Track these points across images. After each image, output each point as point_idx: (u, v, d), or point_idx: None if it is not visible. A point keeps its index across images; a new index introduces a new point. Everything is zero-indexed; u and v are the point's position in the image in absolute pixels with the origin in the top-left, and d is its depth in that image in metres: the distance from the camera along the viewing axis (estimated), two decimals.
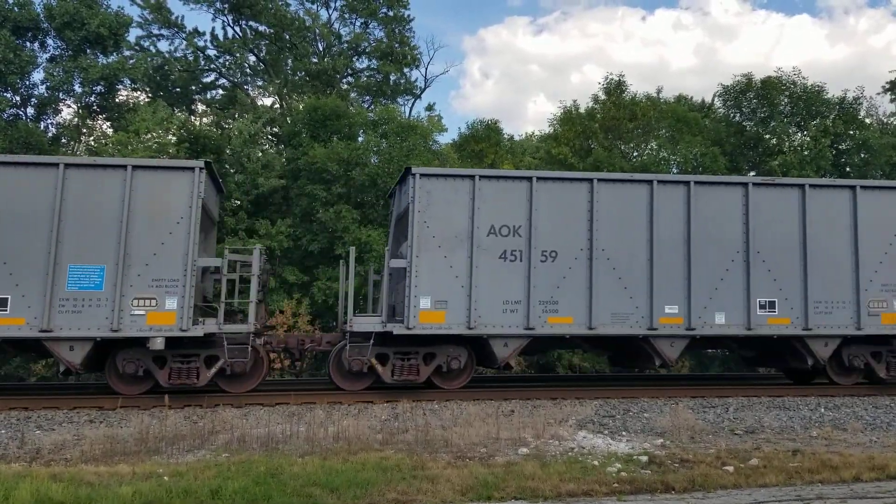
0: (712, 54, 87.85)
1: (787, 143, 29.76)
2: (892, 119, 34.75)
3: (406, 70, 34.99)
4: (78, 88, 26.55)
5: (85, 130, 26.69)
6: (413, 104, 36.22)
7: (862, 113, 31.19)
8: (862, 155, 29.30)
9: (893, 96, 35.48)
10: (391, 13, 34.42)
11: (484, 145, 29.11)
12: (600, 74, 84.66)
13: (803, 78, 29.92)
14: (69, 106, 27.72)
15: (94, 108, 27.64)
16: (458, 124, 72.30)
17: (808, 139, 28.79)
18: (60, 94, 26.89)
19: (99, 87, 26.74)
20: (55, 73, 25.77)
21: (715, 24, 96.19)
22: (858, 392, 15.38)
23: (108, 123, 27.63)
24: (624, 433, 12.04)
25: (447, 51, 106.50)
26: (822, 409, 13.98)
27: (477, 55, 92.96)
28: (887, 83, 35.29)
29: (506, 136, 34.26)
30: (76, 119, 26.92)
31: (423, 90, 36.30)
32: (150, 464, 9.44)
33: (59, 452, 10.38)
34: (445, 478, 8.63)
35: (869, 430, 12.54)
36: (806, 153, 27.75)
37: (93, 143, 25.60)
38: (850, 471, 9.31)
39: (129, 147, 21.76)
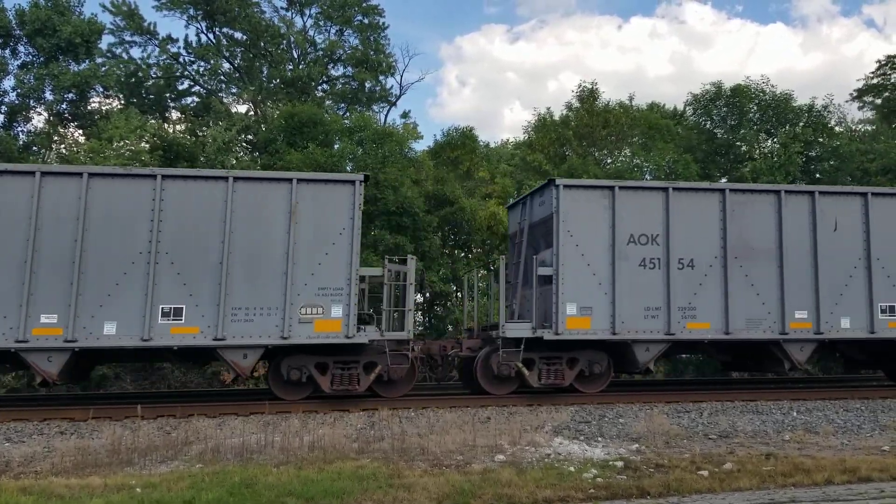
0: (688, 62, 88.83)
1: (757, 150, 30.17)
2: (860, 126, 35.36)
3: (381, 78, 35.01)
4: (49, 96, 26.27)
5: (56, 138, 26.36)
6: (388, 112, 36.25)
7: (833, 121, 31.72)
8: (831, 162, 29.77)
9: (861, 104, 36.13)
10: (366, 21, 34.43)
11: (460, 152, 29.16)
12: (577, 82, 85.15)
13: (772, 86, 30.39)
14: (40, 113, 27.41)
15: (66, 115, 27.31)
16: (436, 132, 72.42)
17: (778, 146, 29.20)
18: (31, 102, 26.57)
19: (70, 95, 26.43)
20: (26, 81, 25.45)
21: (691, 33, 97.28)
22: (830, 396, 15.59)
23: (80, 131, 27.31)
24: (600, 439, 12.08)
25: (424, 58, 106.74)
26: (795, 413, 14.13)
27: (454, 63, 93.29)
28: (855, 91, 35.94)
29: (482, 143, 34.38)
30: (47, 127, 26.58)
31: (398, 98, 36.34)
32: (122, 475, 9.31)
33: (29, 465, 10.21)
34: (422, 486, 8.61)
35: (840, 434, 12.69)
36: (776, 160, 28.13)
37: (64, 150, 25.29)
38: (822, 474, 9.41)
39: (102, 155, 21.51)
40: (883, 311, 15.77)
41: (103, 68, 27.57)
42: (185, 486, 8.53)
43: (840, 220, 15.90)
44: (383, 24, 34.70)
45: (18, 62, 26.54)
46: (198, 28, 33.18)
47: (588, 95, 32.01)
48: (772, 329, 15.40)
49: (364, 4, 34.15)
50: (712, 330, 15.21)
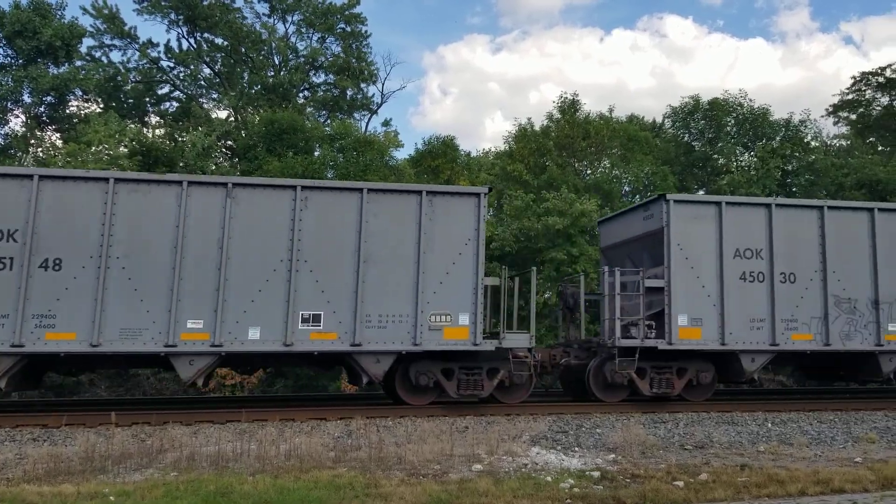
0: (669, 76, 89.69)
1: (734, 163, 30.53)
2: (835, 141, 35.86)
3: (363, 85, 35.02)
4: (27, 98, 26.04)
5: (34, 141, 26.10)
6: (369, 119, 36.26)
7: (809, 137, 32.16)
8: (807, 176, 30.17)
9: (837, 119, 36.66)
10: (348, 29, 34.44)
11: (440, 161, 29.23)
12: (558, 94, 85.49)
13: (749, 100, 30.77)
14: (17, 116, 27.13)
15: (44, 118, 27.05)
16: (417, 140, 72.62)
17: (756, 159, 29.56)
18: (9, 104, 26.30)
19: (49, 98, 26.21)
20: (4, 82, 25.19)
21: (672, 47, 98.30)
22: (804, 407, 15.77)
23: (58, 135, 27.05)
24: (577, 449, 12.12)
25: (407, 67, 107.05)
26: (770, 425, 14.26)
27: (436, 72, 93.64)
28: (830, 106, 36.47)
29: (463, 152, 34.49)
30: (25, 129, 26.31)
31: (379, 106, 36.38)
32: (95, 483, 9.21)
33: (1, 472, 10.07)
34: (399, 495, 8.59)
35: (814, 445, 12.82)
36: (753, 173, 28.46)
37: (41, 154, 25.05)
38: (796, 485, 9.50)
39: (80, 159, 21.32)
40: None
41: (83, 71, 27.35)
42: (159, 495, 8.45)
43: None
44: (366, 32, 34.78)
45: None
46: (179, 33, 33.06)
47: (569, 106, 32.25)
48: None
49: (347, 12, 34.16)
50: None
